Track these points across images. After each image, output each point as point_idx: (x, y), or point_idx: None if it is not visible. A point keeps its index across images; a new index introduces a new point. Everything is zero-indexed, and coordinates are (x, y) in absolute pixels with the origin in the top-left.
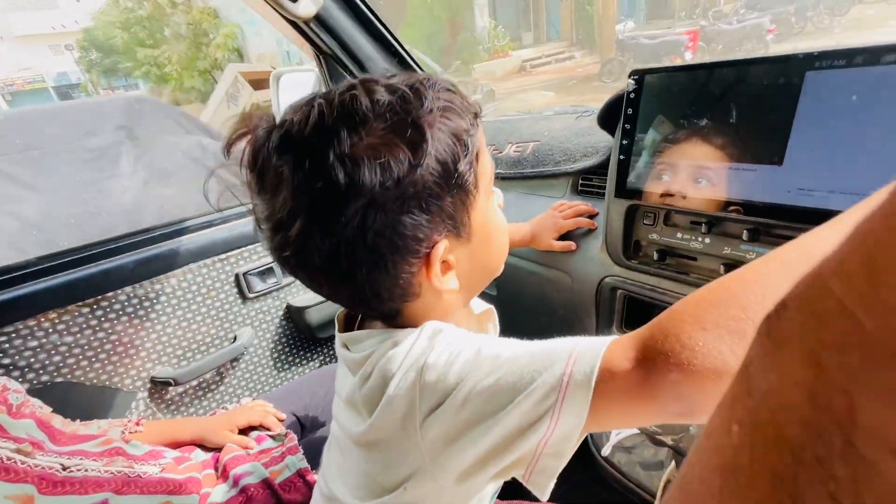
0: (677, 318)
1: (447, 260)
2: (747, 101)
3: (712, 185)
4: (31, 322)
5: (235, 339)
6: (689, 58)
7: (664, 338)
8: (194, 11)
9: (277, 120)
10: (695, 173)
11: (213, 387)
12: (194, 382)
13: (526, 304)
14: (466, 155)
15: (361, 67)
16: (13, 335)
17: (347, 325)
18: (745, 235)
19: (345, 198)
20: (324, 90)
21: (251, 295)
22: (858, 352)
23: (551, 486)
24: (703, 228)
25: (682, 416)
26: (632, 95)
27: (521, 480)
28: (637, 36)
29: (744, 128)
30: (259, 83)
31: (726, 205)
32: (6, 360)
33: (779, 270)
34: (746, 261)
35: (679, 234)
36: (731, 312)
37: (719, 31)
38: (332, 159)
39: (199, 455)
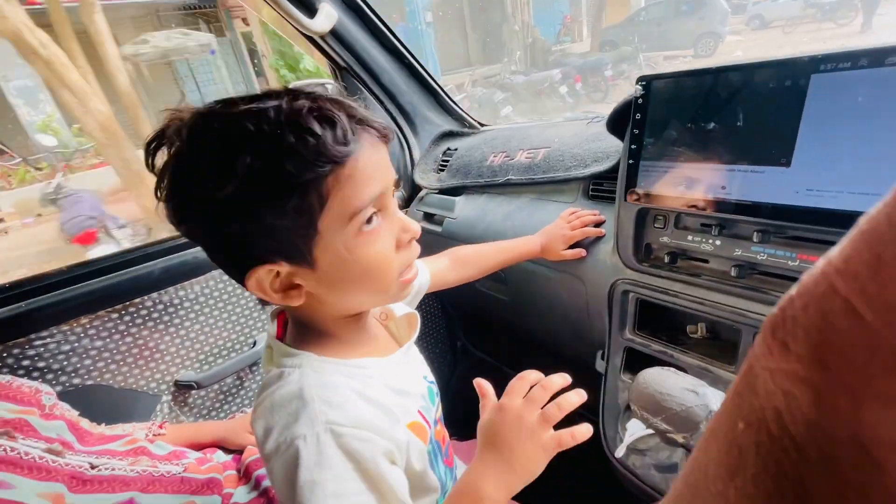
0: None
1: (294, 281)
2: (754, 105)
3: (722, 187)
4: (65, 327)
5: (255, 343)
6: None
7: None
8: None
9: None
10: (704, 176)
11: (233, 391)
12: (216, 386)
13: (539, 308)
14: (294, 198)
15: (376, 79)
16: (48, 340)
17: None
18: (755, 237)
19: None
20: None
21: None
22: (865, 351)
23: None
24: (714, 231)
25: None
26: (640, 101)
27: None
28: None
29: (751, 131)
30: None
31: (736, 207)
32: (41, 364)
33: None
34: (758, 262)
35: (690, 237)
36: None
37: None
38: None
39: (221, 456)
